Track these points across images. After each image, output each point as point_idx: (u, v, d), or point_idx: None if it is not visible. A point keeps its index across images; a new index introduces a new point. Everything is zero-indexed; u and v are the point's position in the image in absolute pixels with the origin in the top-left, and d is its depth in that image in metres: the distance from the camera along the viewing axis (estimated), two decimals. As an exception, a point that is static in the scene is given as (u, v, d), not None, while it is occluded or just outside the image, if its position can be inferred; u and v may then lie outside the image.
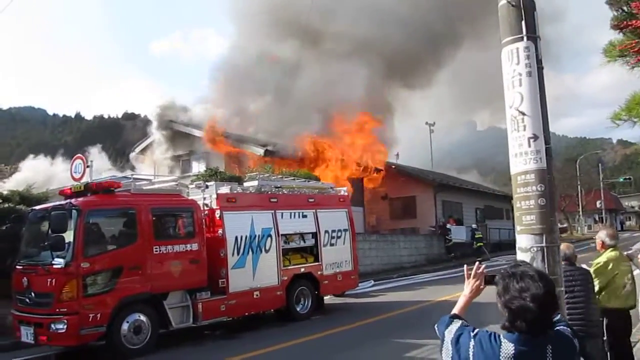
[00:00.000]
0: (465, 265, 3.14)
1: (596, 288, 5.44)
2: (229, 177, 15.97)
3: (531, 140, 4.82)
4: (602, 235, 5.88)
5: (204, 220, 10.49)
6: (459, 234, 28.61)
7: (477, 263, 3.02)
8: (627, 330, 5.51)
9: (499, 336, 2.43)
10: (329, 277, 12.79)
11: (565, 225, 57.88)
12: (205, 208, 10.73)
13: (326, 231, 12.86)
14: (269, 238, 11.48)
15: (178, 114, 21.98)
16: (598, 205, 62.38)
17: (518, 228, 4.91)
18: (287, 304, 11.70)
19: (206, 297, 10.14)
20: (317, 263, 12.59)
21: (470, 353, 2.45)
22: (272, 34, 24.42)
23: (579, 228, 58.35)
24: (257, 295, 11.05)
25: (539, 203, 4.74)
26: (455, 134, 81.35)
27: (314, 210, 12.71)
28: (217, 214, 10.67)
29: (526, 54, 4.87)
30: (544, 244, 4.63)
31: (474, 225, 29.12)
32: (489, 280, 3.10)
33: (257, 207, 11.56)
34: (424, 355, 8.43)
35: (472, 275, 2.98)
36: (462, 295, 2.97)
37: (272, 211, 11.74)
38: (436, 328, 2.79)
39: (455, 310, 2.88)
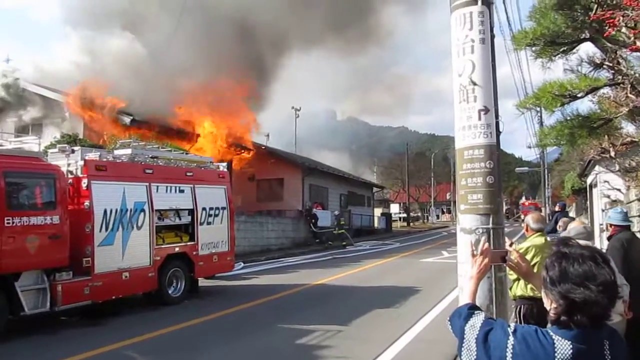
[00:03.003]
0: (470, 242, 2.62)
1: (514, 275, 5.26)
2: (90, 145, 14.37)
3: (482, 112, 4.43)
4: (528, 218, 5.80)
5: (67, 190, 9.05)
6: (324, 219, 28.84)
7: (482, 239, 2.50)
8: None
9: (547, 332, 1.92)
10: (205, 258, 11.92)
11: (418, 214, 61.64)
12: (70, 176, 9.28)
13: (204, 208, 11.94)
14: (142, 213, 10.31)
15: (30, 73, 19.26)
16: (448, 197, 67.19)
17: (462, 207, 4.52)
18: (158, 287, 10.63)
19: (67, 278, 8.74)
20: (192, 243, 11.66)
21: (509, 353, 1.90)
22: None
23: (429, 217, 62.37)
24: (126, 276, 9.85)
25: (487, 181, 4.37)
26: (315, 120, 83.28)
27: (191, 185, 11.72)
28: (84, 183, 9.27)
29: (480, 19, 4.47)
30: (490, 225, 4.25)
31: (336, 212, 29.61)
32: (498, 258, 2.60)
33: (130, 177, 10.27)
34: (315, 342, 7.96)
35: (479, 253, 2.47)
36: (468, 278, 2.44)
37: (147, 184, 10.55)
38: (449, 323, 2.24)
39: (467, 299, 2.33)
